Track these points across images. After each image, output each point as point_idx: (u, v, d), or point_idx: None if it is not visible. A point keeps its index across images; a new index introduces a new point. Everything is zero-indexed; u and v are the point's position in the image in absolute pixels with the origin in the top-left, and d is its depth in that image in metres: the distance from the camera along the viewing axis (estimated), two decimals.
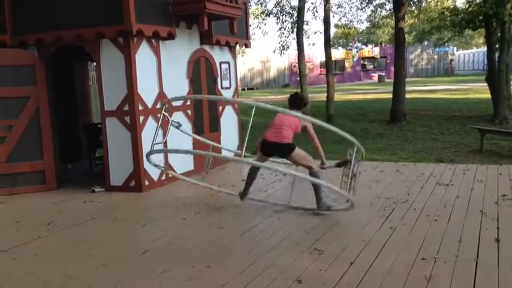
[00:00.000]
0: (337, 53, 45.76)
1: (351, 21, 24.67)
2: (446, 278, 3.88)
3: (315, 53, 43.52)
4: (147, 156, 5.94)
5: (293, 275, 4.04)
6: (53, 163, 7.83)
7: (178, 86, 8.20)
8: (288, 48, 22.76)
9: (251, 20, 22.20)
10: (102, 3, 7.13)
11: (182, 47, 8.29)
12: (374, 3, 23.09)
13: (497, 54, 15.64)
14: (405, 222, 5.38)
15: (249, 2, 16.68)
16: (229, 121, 9.63)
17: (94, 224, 5.91)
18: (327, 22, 17.91)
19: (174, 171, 7.39)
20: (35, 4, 7.60)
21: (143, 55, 7.45)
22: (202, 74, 8.85)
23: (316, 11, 22.04)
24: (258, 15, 23.69)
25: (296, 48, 17.75)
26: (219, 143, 8.99)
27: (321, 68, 43.79)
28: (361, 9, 23.34)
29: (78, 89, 10.71)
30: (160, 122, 6.03)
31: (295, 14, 19.15)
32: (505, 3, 14.10)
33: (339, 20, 28.99)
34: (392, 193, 6.71)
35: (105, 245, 5.11)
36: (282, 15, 21.80)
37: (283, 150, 5.91)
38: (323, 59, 22.94)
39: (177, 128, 6.34)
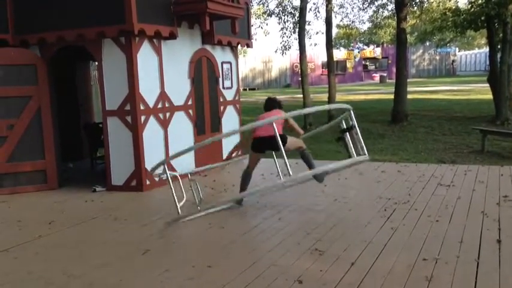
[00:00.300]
0: (339, 54, 45.77)
1: (352, 22, 24.78)
2: (447, 279, 3.88)
3: (317, 53, 43.52)
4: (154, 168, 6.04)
5: (294, 276, 4.04)
6: (54, 162, 7.84)
7: (179, 85, 8.21)
8: (289, 48, 22.79)
9: (253, 20, 22.21)
10: (104, 3, 7.14)
11: (184, 47, 8.29)
12: (376, 3, 23.10)
13: (499, 55, 15.62)
14: (406, 223, 5.38)
15: (251, 2, 16.68)
16: (230, 121, 9.63)
17: (95, 224, 5.91)
18: (328, 22, 17.91)
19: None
20: (37, 3, 7.61)
21: (145, 55, 7.45)
22: (204, 74, 8.85)
23: (318, 11, 22.04)
24: (259, 15, 23.69)
25: (298, 48, 17.75)
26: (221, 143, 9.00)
27: (322, 68, 43.79)
28: (363, 9, 23.42)
29: (79, 89, 10.72)
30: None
31: (297, 14, 19.15)
32: (507, 4, 14.09)
33: (341, 21, 28.93)
34: (394, 194, 6.70)
35: (106, 244, 5.12)
36: (284, 16, 21.81)
37: (274, 143, 5.79)
38: (325, 59, 22.90)
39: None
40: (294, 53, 38.16)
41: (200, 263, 4.42)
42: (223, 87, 9.49)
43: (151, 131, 7.61)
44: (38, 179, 7.75)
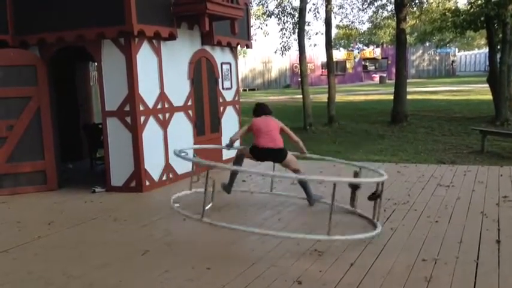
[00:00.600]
0: (339, 54, 45.75)
1: (352, 22, 24.71)
2: (447, 280, 3.88)
3: (316, 54, 43.50)
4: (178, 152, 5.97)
5: (293, 276, 4.04)
6: (54, 163, 7.84)
7: (179, 86, 8.21)
8: (289, 49, 22.76)
9: (252, 21, 22.18)
10: (104, 4, 7.14)
11: (183, 48, 8.30)
12: (375, 4, 23.10)
13: (498, 56, 15.63)
14: (406, 223, 5.38)
15: (251, 2, 16.69)
16: (230, 121, 9.63)
17: (95, 224, 5.92)
18: (328, 23, 17.91)
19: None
20: (37, 4, 7.61)
21: (144, 55, 7.46)
22: (203, 75, 8.85)
23: (318, 11, 22.03)
24: (259, 16, 23.67)
25: (297, 49, 17.74)
26: (220, 143, 8.99)
27: (322, 68, 43.79)
28: (363, 10, 23.36)
29: (79, 89, 10.72)
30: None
31: (297, 15, 19.14)
32: (507, 4, 14.10)
33: (341, 21, 28.93)
34: (393, 194, 6.71)
35: (105, 245, 5.12)
36: (284, 16, 21.79)
37: (279, 156, 6.09)
38: (324, 59, 22.90)
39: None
40: (293, 54, 38.14)
41: (200, 264, 4.42)
42: (223, 88, 9.49)
43: (151, 132, 7.61)
44: (37, 180, 7.75)
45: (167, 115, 7.95)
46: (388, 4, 23.04)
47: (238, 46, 9.97)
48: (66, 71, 10.21)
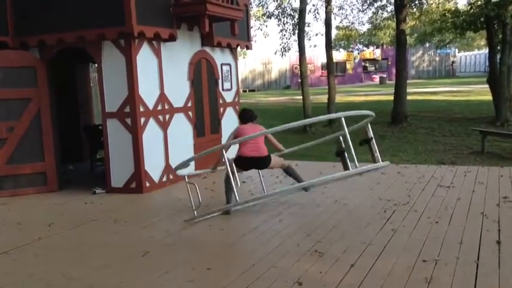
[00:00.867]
0: (339, 55, 45.78)
1: (352, 23, 24.66)
2: (447, 280, 3.88)
3: (316, 55, 43.52)
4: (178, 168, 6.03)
5: (293, 277, 4.04)
6: (54, 164, 7.84)
7: (179, 87, 8.22)
8: (289, 50, 22.73)
9: (252, 22, 22.19)
10: (104, 5, 7.14)
11: (183, 49, 8.30)
12: (375, 5, 23.09)
13: (498, 56, 15.63)
14: (406, 224, 5.38)
15: (250, 3, 16.69)
16: (230, 123, 9.61)
17: (95, 226, 5.91)
18: (328, 24, 17.91)
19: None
20: (37, 6, 7.61)
21: (144, 57, 7.46)
22: (203, 76, 8.86)
23: (318, 12, 22.08)
24: (259, 17, 23.67)
25: (297, 50, 17.75)
26: (220, 144, 8.98)
27: (322, 69, 43.81)
28: (363, 11, 23.33)
29: (79, 91, 10.72)
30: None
31: (297, 16, 19.15)
32: (507, 5, 14.11)
33: (340, 22, 28.96)
34: (393, 195, 6.71)
35: (106, 246, 5.12)
36: (283, 17, 21.77)
37: (265, 163, 6.16)
38: (324, 60, 22.90)
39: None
40: (293, 55, 38.13)
41: (200, 265, 4.42)
42: (223, 89, 9.49)
43: (151, 133, 7.61)
44: (38, 181, 7.75)
45: (167, 116, 7.95)
46: (388, 5, 23.03)
47: (238, 47, 9.97)
48: (66, 73, 10.21)
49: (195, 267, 4.37)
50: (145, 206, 6.88)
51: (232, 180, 5.62)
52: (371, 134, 5.84)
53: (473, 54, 55.96)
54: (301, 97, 17.42)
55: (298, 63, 20.19)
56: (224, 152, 5.68)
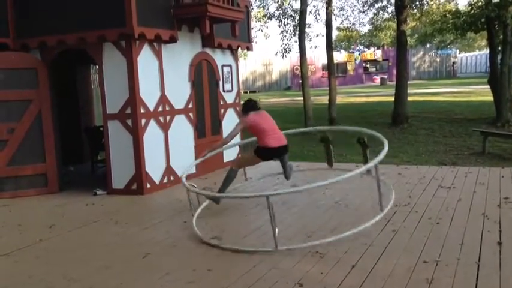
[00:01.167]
0: (339, 56, 45.81)
1: (353, 24, 24.68)
2: (448, 281, 3.87)
3: (317, 56, 43.55)
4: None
5: (294, 279, 4.04)
6: (55, 166, 7.85)
7: (180, 89, 8.22)
8: (290, 51, 22.75)
9: (253, 23, 22.20)
10: (105, 7, 7.15)
11: (184, 50, 8.31)
12: (376, 6, 23.10)
13: (499, 57, 15.63)
14: (407, 225, 5.37)
15: (251, 5, 16.72)
16: (231, 124, 9.59)
17: (96, 227, 5.92)
18: (328, 25, 17.93)
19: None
20: (38, 7, 7.63)
21: (145, 58, 7.47)
22: (204, 77, 8.86)
23: (318, 14, 22.10)
24: (260, 18, 23.69)
25: (298, 51, 17.76)
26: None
27: (323, 70, 43.82)
28: (363, 12, 23.35)
29: (80, 92, 10.74)
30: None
31: (297, 17, 19.15)
32: (507, 5, 14.11)
33: (341, 23, 28.93)
34: (394, 196, 6.69)
35: (106, 247, 5.12)
36: (284, 18, 21.79)
37: (287, 150, 6.22)
38: (325, 61, 22.91)
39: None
40: (294, 56, 38.18)
41: (201, 266, 4.42)
42: (224, 90, 9.50)
43: (152, 135, 7.62)
44: (38, 183, 7.76)
45: (168, 118, 7.95)
46: (389, 6, 23.06)
47: (239, 48, 9.98)
48: (67, 74, 10.22)
49: (196, 269, 4.37)
50: (146, 208, 6.88)
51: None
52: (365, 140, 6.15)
53: (474, 55, 55.94)
54: (302, 98, 17.42)
55: (299, 64, 20.20)
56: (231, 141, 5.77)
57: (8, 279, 4.37)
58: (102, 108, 7.58)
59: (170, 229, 5.67)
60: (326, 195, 6.88)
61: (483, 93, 23.49)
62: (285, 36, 21.81)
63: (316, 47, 30.70)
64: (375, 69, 48.39)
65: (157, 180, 7.71)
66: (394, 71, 21.55)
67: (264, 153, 6.05)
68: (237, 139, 6.12)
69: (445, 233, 5.06)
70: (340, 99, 22.09)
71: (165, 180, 7.88)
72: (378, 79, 44.86)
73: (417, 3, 20.29)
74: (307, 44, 19.32)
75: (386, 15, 25.28)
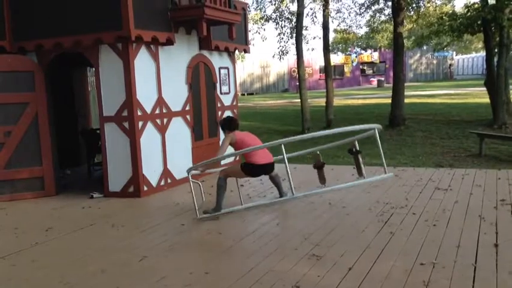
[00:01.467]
0: (337, 58, 45.88)
1: (350, 26, 24.70)
2: (445, 284, 3.88)
3: (314, 58, 43.61)
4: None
5: (291, 281, 4.04)
6: (51, 169, 7.83)
7: (177, 91, 8.22)
8: (287, 53, 22.77)
9: (250, 26, 22.22)
10: (101, 9, 7.15)
11: (181, 53, 8.31)
12: (373, 8, 23.15)
13: (496, 59, 15.67)
14: (404, 227, 5.38)
15: (248, 7, 16.70)
16: None
17: (92, 230, 5.90)
18: (326, 27, 17.95)
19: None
20: (34, 10, 7.62)
21: (142, 61, 7.46)
22: (201, 80, 8.86)
23: (315, 16, 22.07)
24: (257, 20, 23.70)
25: (295, 53, 17.77)
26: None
27: (320, 72, 43.90)
28: (360, 14, 23.40)
29: (77, 95, 10.73)
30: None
31: (294, 20, 19.18)
32: (503, 8, 14.15)
33: (338, 25, 29.02)
34: (391, 198, 6.71)
35: (103, 251, 5.10)
36: (281, 21, 21.81)
37: (273, 167, 6.36)
38: (322, 64, 22.93)
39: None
40: (291, 58, 38.23)
41: (198, 269, 4.41)
42: (221, 93, 9.50)
43: (149, 137, 7.61)
44: (35, 186, 7.74)
45: (165, 120, 7.95)
46: (386, 8, 23.10)
47: (236, 51, 9.98)
48: (64, 77, 10.21)
49: (193, 272, 4.37)
50: (143, 210, 6.87)
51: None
52: (357, 147, 6.21)
53: (470, 57, 56.07)
54: (299, 100, 17.43)
55: (296, 66, 20.21)
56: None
57: (4, 282, 4.35)
58: (99, 110, 7.57)
59: (167, 232, 5.66)
60: (323, 197, 6.87)
61: (480, 95, 23.55)
62: (282, 38, 21.84)
63: (313, 49, 30.78)
64: (372, 71, 48.49)
65: (154, 183, 7.70)
66: (391, 73, 21.59)
67: (250, 170, 6.08)
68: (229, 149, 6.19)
69: (442, 235, 5.07)
70: (337, 101, 22.12)
71: (162, 183, 7.87)
72: (375, 81, 44.94)
73: (414, 5, 20.34)
74: (305, 47, 19.44)
75: (383, 18, 25.35)
